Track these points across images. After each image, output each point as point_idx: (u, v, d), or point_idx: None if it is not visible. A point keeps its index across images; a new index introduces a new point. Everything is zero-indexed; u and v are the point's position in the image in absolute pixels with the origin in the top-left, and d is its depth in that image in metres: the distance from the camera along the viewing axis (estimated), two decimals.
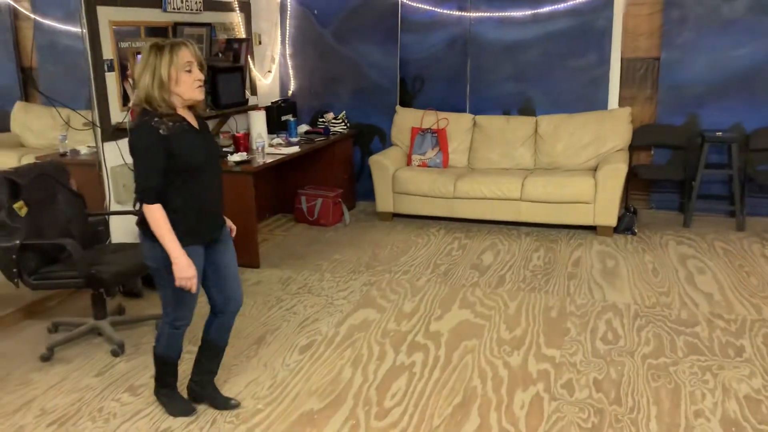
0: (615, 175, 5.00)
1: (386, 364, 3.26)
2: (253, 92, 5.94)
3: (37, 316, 3.94)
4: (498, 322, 3.70)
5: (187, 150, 2.51)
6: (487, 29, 5.84)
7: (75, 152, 4.31)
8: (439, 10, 5.92)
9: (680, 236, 5.11)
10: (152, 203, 2.48)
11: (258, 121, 5.26)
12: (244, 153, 4.91)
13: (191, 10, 4.97)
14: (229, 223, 2.86)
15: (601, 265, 4.53)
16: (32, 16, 4.22)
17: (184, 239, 2.54)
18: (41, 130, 4.27)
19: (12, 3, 4.15)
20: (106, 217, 4.21)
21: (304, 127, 5.96)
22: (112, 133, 4.32)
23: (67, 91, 4.28)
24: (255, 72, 5.98)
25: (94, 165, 4.29)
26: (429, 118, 5.89)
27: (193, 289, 2.57)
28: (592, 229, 5.26)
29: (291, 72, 6.39)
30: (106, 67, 4.27)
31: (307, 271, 4.61)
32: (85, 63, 4.14)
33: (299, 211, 5.79)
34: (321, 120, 6.04)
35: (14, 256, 3.27)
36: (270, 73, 6.30)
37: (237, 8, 5.65)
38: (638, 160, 5.73)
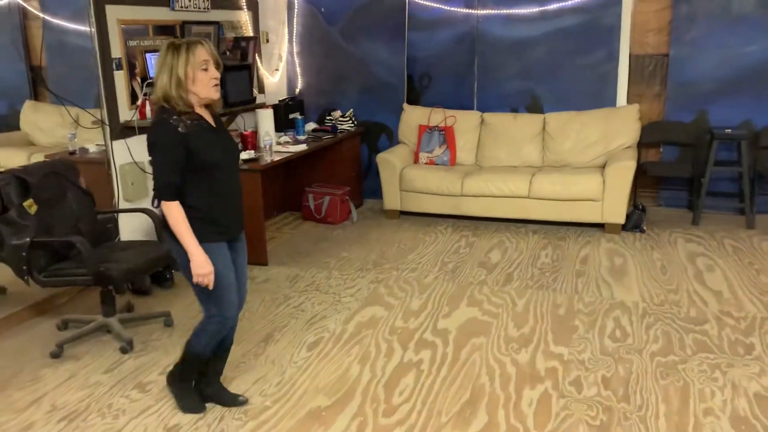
0: (623, 173, 4.98)
1: (394, 362, 3.26)
2: (261, 90, 5.96)
3: (46, 314, 3.96)
4: (506, 319, 3.70)
5: (205, 148, 2.53)
6: (494, 26, 5.83)
7: (84, 150, 4.34)
8: (446, 7, 5.91)
9: (689, 234, 5.08)
10: (171, 200, 2.50)
11: (265, 120, 5.27)
12: (252, 151, 4.92)
13: (199, 8, 4.98)
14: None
15: (609, 263, 4.51)
16: (41, 15, 4.24)
17: (209, 236, 2.57)
18: (50, 129, 4.30)
19: (21, 2, 4.17)
20: (115, 214, 4.23)
21: (311, 125, 5.97)
22: (120, 131, 4.35)
23: (75, 89, 4.30)
24: (262, 70, 5.99)
25: (102, 163, 4.31)
26: (436, 116, 5.89)
27: (210, 286, 2.58)
28: (600, 226, 5.24)
29: (298, 70, 6.40)
30: (114, 66, 4.28)
31: (315, 268, 4.62)
32: (93, 61, 4.16)
33: (307, 209, 5.79)
34: (328, 118, 6.04)
35: (24, 254, 3.30)
36: (277, 71, 6.31)
37: (244, 6, 5.66)
38: (647, 157, 5.70)
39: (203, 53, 2.50)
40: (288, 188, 6.05)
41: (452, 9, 5.89)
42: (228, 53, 5.33)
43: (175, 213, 2.50)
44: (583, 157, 5.49)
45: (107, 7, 4.18)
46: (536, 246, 4.93)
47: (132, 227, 4.44)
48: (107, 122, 4.25)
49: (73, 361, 3.38)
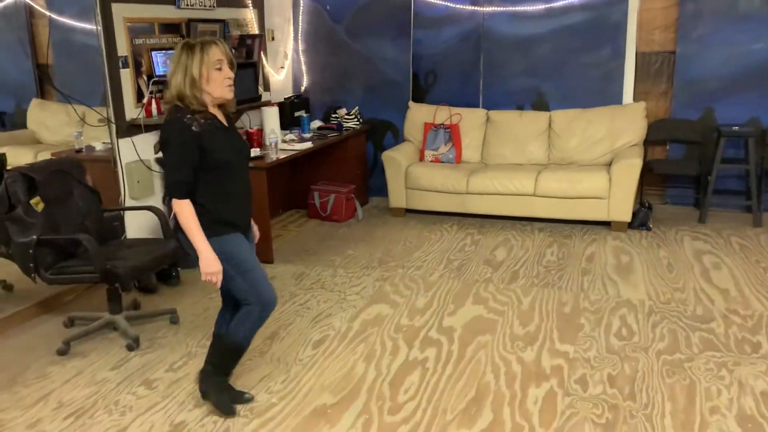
0: (629, 171, 4.97)
1: (399, 359, 3.26)
2: (266, 88, 5.96)
3: (53, 311, 3.98)
4: (511, 317, 3.69)
5: (218, 147, 2.54)
6: (500, 24, 5.81)
7: (90, 148, 4.35)
8: (452, 5, 5.89)
9: (696, 232, 5.07)
10: (182, 198, 2.51)
11: (271, 117, 5.27)
12: (258, 149, 4.92)
13: (205, 6, 4.99)
14: (254, 228, 2.89)
15: (615, 261, 4.50)
16: (48, 13, 4.26)
17: (223, 229, 2.58)
18: (57, 127, 4.31)
19: (28, 1, 4.18)
20: (121, 212, 4.24)
21: (316, 123, 5.97)
22: (126, 129, 4.36)
23: (82, 87, 4.31)
24: (268, 68, 5.99)
25: (109, 161, 4.32)
26: (442, 114, 5.88)
27: (218, 285, 2.59)
28: (606, 224, 5.23)
29: (304, 68, 6.40)
30: (120, 64, 4.30)
31: (320, 266, 4.62)
32: (99, 60, 4.17)
33: (312, 206, 5.80)
34: (334, 116, 6.04)
35: (31, 251, 3.31)
36: (283, 69, 6.32)
37: (250, 4, 5.66)
38: (653, 155, 5.68)
39: (217, 53, 2.52)
40: (293, 186, 6.05)
41: (458, 6, 5.88)
42: (233, 51, 5.34)
43: (186, 211, 2.52)
44: (589, 155, 5.48)
45: (113, 6, 4.19)
46: (542, 244, 4.92)
47: (138, 225, 4.45)
48: (113, 120, 4.27)
49: (79, 358, 3.40)
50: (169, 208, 2.58)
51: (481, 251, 4.81)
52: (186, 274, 4.47)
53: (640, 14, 5.48)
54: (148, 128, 4.47)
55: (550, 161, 5.63)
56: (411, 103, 6.04)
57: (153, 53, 4.51)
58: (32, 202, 3.38)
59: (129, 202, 4.40)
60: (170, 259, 3.73)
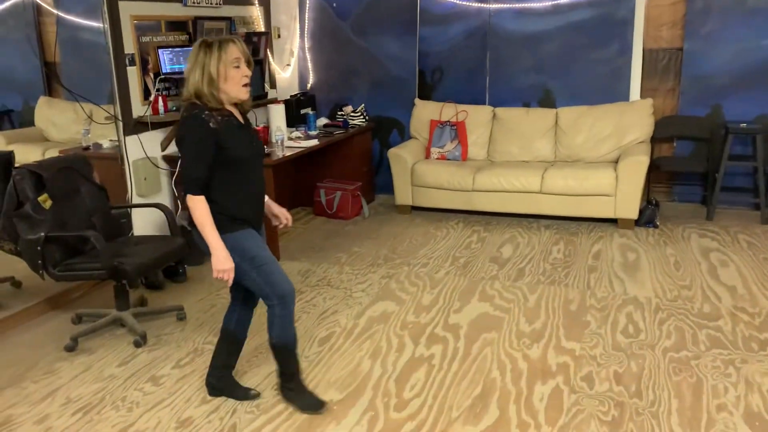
0: (636, 168, 4.95)
1: (405, 356, 3.26)
2: (272, 85, 5.97)
3: (61, 308, 4.00)
4: (517, 314, 3.69)
5: (234, 144, 2.55)
6: (506, 21, 5.80)
7: (97, 146, 4.37)
8: (458, 2, 5.88)
9: (703, 229, 5.05)
10: (197, 194, 2.52)
11: (277, 115, 5.28)
12: (264, 146, 4.92)
13: (211, 4, 5.00)
14: (282, 211, 2.92)
15: (622, 258, 4.49)
16: (55, 11, 4.27)
17: (237, 226, 2.59)
18: (64, 125, 4.33)
19: None
20: (129, 209, 4.26)
21: (323, 120, 5.97)
22: (133, 126, 4.37)
23: (89, 85, 4.33)
24: (274, 65, 6.00)
25: (116, 158, 4.34)
26: (448, 111, 5.87)
27: (229, 282, 2.59)
28: (613, 221, 5.21)
29: (310, 65, 6.41)
30: (127, 62, 4.31)
31: (326, 263, 4.63)
32: (107, 57, 4.19)
33: (318, 204, 5.81)
34: (340, 113, 6.04)
35: (39, 248, 3.33)
36: (289, 66, 6.32)
37: (256, 2, 5.67)
38: (660, 152, 5.66)
39: (235, 51, 2.52)
40: (299, 183, 6.06)
41: (464, 3, 5.87)
42: None
43: (200, 207, 2.52)
44: (596, 152, 5.46)
45: (120, 4, 4.20)
46: (548, 241, 4.92)
47: (145, 222, 4.48)
48: (120, 118, 4.28)
49: (87, 355, 3.42)
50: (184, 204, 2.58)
51: (488, 248, 4.81)
52: (193, 271, 4.49)
53: (648, 10, 5.46)
54: (155, 125, 4.48)
55: (557, 158, 5.62)
56: (417, 101, 6.04)
57: (160, 51, 4.52)
58: (40, 199, 3.40)
59: (136, 200, 4.42)
60: (177, 256, 3.74)
